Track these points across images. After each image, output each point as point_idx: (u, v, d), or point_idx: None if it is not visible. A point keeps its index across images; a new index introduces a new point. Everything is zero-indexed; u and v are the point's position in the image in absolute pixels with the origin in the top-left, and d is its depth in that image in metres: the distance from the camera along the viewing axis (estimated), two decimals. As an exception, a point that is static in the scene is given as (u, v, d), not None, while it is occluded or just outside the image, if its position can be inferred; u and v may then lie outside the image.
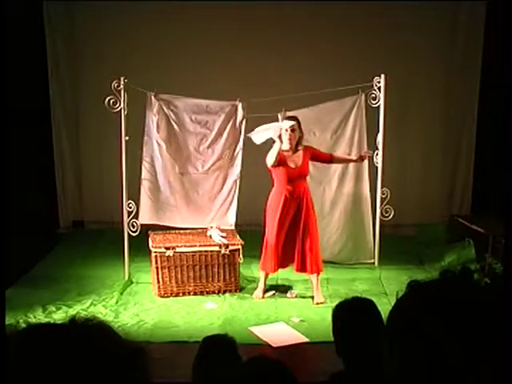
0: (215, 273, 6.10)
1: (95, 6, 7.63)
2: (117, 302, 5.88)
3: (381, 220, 6.74)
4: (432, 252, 7.24)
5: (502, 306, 1.15)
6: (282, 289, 6.19)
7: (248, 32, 7.68)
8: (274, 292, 6.12)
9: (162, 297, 6.03)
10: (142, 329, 5.35)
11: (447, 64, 7.93)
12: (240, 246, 6.12)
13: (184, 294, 6.08)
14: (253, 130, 5.90)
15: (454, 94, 8.00)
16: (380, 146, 6.68)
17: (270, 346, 5.01)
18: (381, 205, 6.71)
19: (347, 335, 2.73)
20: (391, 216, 6.64)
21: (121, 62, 7.43)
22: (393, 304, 1.24)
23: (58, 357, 1.07)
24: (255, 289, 6.09)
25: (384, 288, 6.19)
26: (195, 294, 6.09)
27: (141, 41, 7.71)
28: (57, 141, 8.11)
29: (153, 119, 6.34)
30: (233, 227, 6.46)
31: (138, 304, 5.89)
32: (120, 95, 6.11)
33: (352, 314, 2.81)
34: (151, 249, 6.09)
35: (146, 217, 6.40)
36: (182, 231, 6.45)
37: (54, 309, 5.67)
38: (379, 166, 6.70)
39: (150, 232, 6.37)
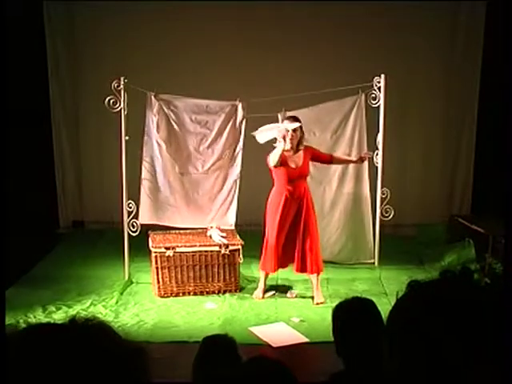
0: (215, 273, 6.10)
1: (95, 6, 7.63)
2: (117, 302, 5.88)
3: (381, 220, 6.74)
4: (432, 252, 7.24)
5: (502, 305, 1.15)
6: (281, 289, 6.19)
7: (248, 32, 7.68)
8: (273, 292, 6.12)
9: (162, 297, 6.03)
10: (142, 329, 5.35)
11: (447, 64, 7.93)
12: (240, 246, 6.12)
13: (184, 294, 6.08)
14: (253, 129, 5.90)
15: (454, 94, 8.00)
16: (380, 146, 6.68)
17: (270, 346, 5.01)
18: (381, 205, 6.71)
19: (347, 335, 2.73)
20: (391, 216, 6.64)
21: (121, 62, 7.43)
22: (393, 304, 1.24)
23: (58, 357, 1.07)
24: (255, 289, 6.09)
25: (384, 288, 6.19)
26: (195, 294, 6.09)
27: (141, 41, 7.71)
28: (57, 141, 8.11)
29: (153, 119, 6.34)
30: (233, 227, 6.46)
31: (138, 304, 5.89)
32: (120, 95, 6.11)
33: (352, 314, 2.81)
34: (151, 249, 6.10)
35: (145, 217, 6.40)
36: (182, 231, 6.45)
37: (54, 309, 5.67)
38: (379, 166, 6.70)
39: (149, 232, 6.37)
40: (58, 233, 8.14)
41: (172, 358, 4.64)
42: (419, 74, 7.91)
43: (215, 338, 3.07)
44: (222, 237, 6.20)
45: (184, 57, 7.70)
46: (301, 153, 5.79)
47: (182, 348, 4.87)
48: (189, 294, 6.09)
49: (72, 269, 6.77)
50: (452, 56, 7.91)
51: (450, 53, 7.89)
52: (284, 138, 5.64)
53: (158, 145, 6.36)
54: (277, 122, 6.12)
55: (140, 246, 6.41)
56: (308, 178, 6.01)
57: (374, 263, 6.85)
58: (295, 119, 5.77)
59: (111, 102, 6.07)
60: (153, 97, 6.33)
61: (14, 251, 5.79)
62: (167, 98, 6.41)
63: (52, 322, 1.28)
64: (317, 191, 6.56)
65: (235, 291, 6.13)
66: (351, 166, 6.69)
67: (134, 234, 6.28)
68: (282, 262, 5.92)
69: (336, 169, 6.75)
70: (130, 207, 6.29)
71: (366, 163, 6.59)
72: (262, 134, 5.71)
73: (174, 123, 6.40)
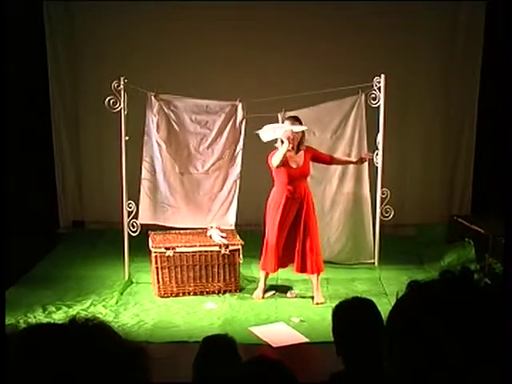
0: (215, 273, 6.10)
1: (95, 6, 7.63)
2: (117, 302, 5.88)
3: (381, 220, 6.74)
4: (432, 252, 7.23)
5: (502, 305, 1.15)
6: (281, 289, 6.18)
7: (248, 32, 7.68)
8: (274, 292, 6.12)
9: (162, 297, 6.03)
10: (142, 329, 5.35)
11: (447, 64, 7.93)
12: (240, 246, 6.12)
13: (184, 294, 6.07)
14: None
15: (453, 94, 7.99)
16: (380, 146, 6.68)
17: (270, 346, 5.01)
18: (381, 205, 6.71)
19: (347, 335, 2.73)
20: (391, 216, 6.64)
21: (121, 62, 7.43)
22: (393, 304, 1.24)
23: (58, 357, 1.07)
24: (255, 289, 6.09)
25: (384, 288, 6.19)
26: (195, 294, 6.09)
27: (141, 41, 7.71)
28: (57, 141, 8.10)
29: (153, 119, 6.34)
30: (233, 227, 6.46)
31: (138, 304, 5.88)
32: (120, 95, 6.11)
33: (352, 314, 2.81)
34: (151, 249, 6.09)
35: (145, 217, 6.40)
36: (182, 231, 6.45)
37: (54, 309, 5.67)
38: (379, 166, 6.70)
39: (150, 232, 6.37)
40: (58, 233, 8.14)
41: (172, 358, 4.64)
42: (419, 74, 7.91)
43: (215, 338, 3.08)
44: (221, 237, 6.20)
45: (184, 57, 7.70)
46: (302, 153, 5.79)
47: (181, 348, 4.87)
48: (189, 294, 6.08)
49: (72, 269, 6.77)
50: (452, 56, 7.90)
51: (449, 53, 7.89)
52: (288, 138, 5.62)
53: (158, 145, 6.36)
54: (277, 121, 6.12)
55: (140, 245, 6.41)
56: (308, 178, 6.01)
57: (373, 263, 6.85)
58: (296, 119, 5.77)
59: (111, 102, 6.07)
60: (153, 97, 6.33)
61: (14, 251, 5.79)
62: (167, 98, 6.41)
63: (52, 321, 1.28)
64: (317, 191, 6.56)
65: (235, 291, 6.13)
66: (351, 165, 6.69)
67: (134, 234, 6.28)
68: (283, 262, 5.92)
69: (336, 169, 6.75)
70: (130, 207, 6.29)
71: (365, 163, 6.58)
72: (267, 133, 5.70)
73: (174, 123, 6.40)
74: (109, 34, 7.79)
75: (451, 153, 8.16)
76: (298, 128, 5.70)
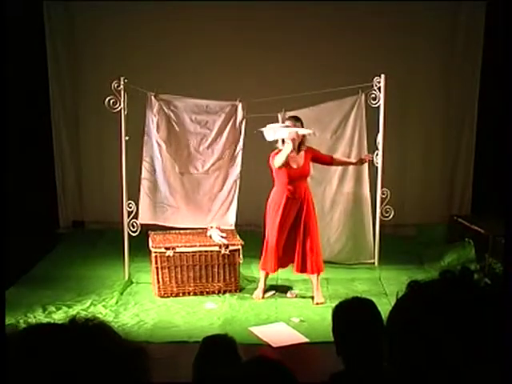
0: (215, 273, 6.10)
1: (95, 6, 7.63)
2: (117, 302, 5.88)
3: (381, 220, 6.74)
4: (432, 252, 7.23)
5: (502, 305, 1.15)
6: (281, 289, 6.19)
7: (248, 32, 7.68)
8: (274, 292, 6.12)
9: (162, 297, 6.03)
10: (142, 329, 5.35)
11: (447, 64, 7.93)
12: (240, 246, 6.12)
13: (184, 294, 6.07)
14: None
15: (453, 94, 7.99)
16: (380, 146, 6.68)
17: (270, 346, 5.01)
18: (381, 205, 6.71)
19: (347, 335, 2.73)
20: (391, 216, 6.64)
21: (121, 62, 7.43)
22: (393, 304, 1.24)
23: (58, 357, 1.07)
24: (255, 289, 6.09)
25: (384, 288, 6.19)
26: (195, 294, 6.09)
27: (141, 41, 7.71)
28: (57, 141, 8.10)
29: (153, 119, 6.34)
30: (233, 227, 6.46)
31: (138, 304, 5.88)
32: (120, 95, 6.11)
33: (352, 314, 2.81)
34: (151, 249, 6.09)
35: (145, 217, 6.40)
36: (182, 231, 6.45)
37: (54, 309, 5.67)
38: (379, 166, 6.70)
39: (150, 232, 6.37)
40: (58, 233, 8.14)
41: (172, 358, 4.64)
42: (419, 74, 7.91)
43: (215, 338, 3.08)
44: (221, 237, 6.20)
45: (184, 57, 7.70)
46: (302, 153, 5.78)
47: (181, 348, 4.87)
48: (189, 294, 6.08)
49: (72, 269, 6.77)
50: (452, 56, 7.90)
51: (449, 53, 7.89)
52: (293, 140, 5.61)
53: (158, 145, 6.36)
54: (277, 121, 6.12)
55: (140, 245, 6.41)
56: (308, 178, 6.01)
57: (373, 263, 6.85)
58: (297, 119, 5.78)
59: (111, 102, 6.07)
60: (153, 97, 6.33)
61: (14, 251, 5.79)
62: (167, 98, 6.41)
63: (52, 321, 1.28)
64: (317, 191, 6.56)
65: (235, 291, 6.13)
66: (351, 166, 6.68)
67: (134, 234, 6.28)
68: (283, 262, 5.92)
69: (336, 169, 6.75)
70: (130, 207, 6.29)
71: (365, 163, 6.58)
72: (271, 133, 5.69)
73: (174, 123, 6.40)
74: (109, 34, 7.79)
75: (451, 153, 8.16)
76: (303, 131, 5.70)
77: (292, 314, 5.65)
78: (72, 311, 5.61)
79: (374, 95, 6.53)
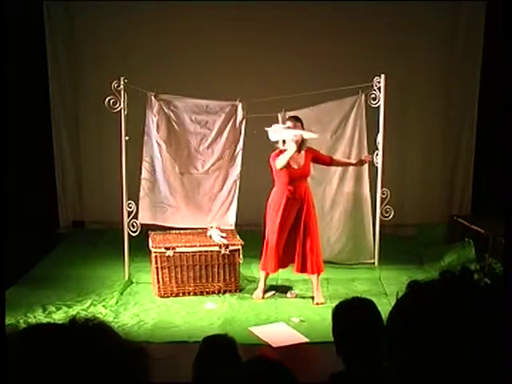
0: (215, 273, 6.10)
1: (95, 6, 7.63)
2: (117, 302, 5.88)
3: (381, 220, 6.74)
4: (432, 252, 7.23)
5: (502, 305, 1.15)
6: (281, 289, 6.18)
7: (248, 32, 7.68)
8: (274, 292, 6.12)
9: (161, 297, 6.03)
10: (142, 329, 5.35)
11: (447, 64, 7.93)
12: (240, 246, 6.12)
13: (184, 294, 6.07)
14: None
15: (453, 94, 7.99)
16: (380, 146, 6.68)
17: (270, 346, 5.01)
18: (381, 205, 6.71)
19: (347, 335, 2.73)
20: (391, 216, 6.64)
21: (121, 62, 7.43)
22: (393, 304, 1.24)
23: (58, 357, 1.07)
24: (255, 289, 6.09)
25: (384, 288, 6.19)
26: (195, 294, 6.09)
27: (141, 41, 7.71)
28: (57, 141, 8.10)
29: (153, 119, 6.34)
30: (233, 227, 6.46)
31: (138, 304, 5.88)
32: (120, 95, 6.11)
33: (352, 314, 2.81)
34: (151, 249, 6.09)
35: (145, 217, 6.40)
36: (182, 231, 6.45)
37: (53, 309, 5.67)
38: (379, 166, 6.70)
39: (150, 232, 6.37)
40: (58, 233, 8.14)
41: (172, 358, 4.64)
42: (419, 74, 7.91)
43: (215, 338, 3.08)
44: (221, 237, 6.20)
45: (184, 57, 7.70)
46: (303, 153, 5.78)
47: (181, 348, 4.87)
48: (189, 294, 6.08)
49: (72, 269, 6.77)
50: (452, 56, 7.90)
51: (449, 53, 7.89)
52: (297, 142, 5.60)
53: (158, 145, 6.36)
54: (277, 121, 6.12)
55: (140, 245, 6.41)
56: (308, 179, 6.01)
57: (373, 263, 6.85)
58: (297, 119, 5.78)
59: (111, 102, 6.07)
60: (153, 97, 6.33)
61: (14, 251, 5.79)
62: (167, 98, 6.41)
63: (52, 321, 1.28)
64: (317, 191, 6.56)
65: (235, 291, 6.13)
66: (351, 166, 6.68)
67: (133, 234, 6.28)
68: (283, 262, 5.92)
69: (336, 169, 6.75)
70: (130, 207, 6.29)
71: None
72: (275, 133, 5.69)
73: (174, 123, 6.40)
74: (109, 34, 7.79)
75: (451, 153, 8.16)
76: (309, 135, 5.70)
77: (292, 313, 5.65)
78: (72, 311, 5.61)
79: (373, 95, 6.53)
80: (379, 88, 6.50)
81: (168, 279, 6.04)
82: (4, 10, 5.96)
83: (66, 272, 6.67)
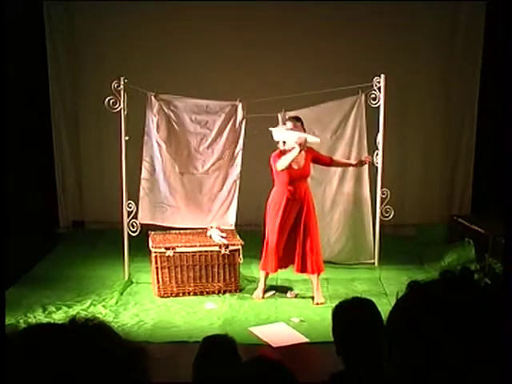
0: (215, 273, 6.10)
1: (95, 6, 7.63)
2: (117, 302, 5.88)
3: (381, 220, 6.74)
4: (432, 252, 7.23)
5: (502, 305, 1.15)
6: (281, 289, 6.18)
7: (248, 32, 7.68)
8: (274, 292, 6.12)
9: (161, 297, 6.03)
10: (142, 329, 5.35)
11: (447, 64, 7.93)
12: (240, 246, 6.12)
13: (184, 294, 6.07)
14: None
15: (453, 94, 7.99)
16: (380, 146, 6.68)
17: (270, 346, 5.01)
18: (381, 205, 6.71)
19: (347, 335, 2.73)
20: (391, 216, 6.64)
21: (121, 62, 7.43)
22: (393, 304, 1.24)
23: (58, 357, 1.07)
24: (255, 289, 6.09)
25: (384, 288, 6.19)
26: (195, 294, 6.09)
27: (141, 41, 7.71)
28: (57, 141, 8.10)
29: (153, 119, 6.34)
30: (233, 227, 6.46)
31: (138, 304, 5.88)
32: (120, 95, 6.11)
33: (352, 314, 2.81)
34: (151, 249, 6.09)
35: (145, 217, 6.40)
36: (182, 231, 6.45)
37: (54, 309, 5.67)
38: (379, 166, 6.70)
39: (150, 232, 6.37)
40: (58, 233, 8.14)
41: (172, 358, 4.64)
42: (419, 74, 7.91)
43: (215, 338, 3.08)
44: (221, 237, 6.20)
45: (184, 57, 7.70)
46: (303, 154, 5.78)
47: (181, 348, 4.87)
48: (189, 294, 6.08)
49: (72, 269, 6.77)
50: (452, 56, 7.90)
51: (449, 53, 7.89)
52: (300, 145, 5.59)
53: (158, 145, 6.36)
54: (277, 121, 6.12)
55: (140, 246, 6.41)
56: (308, 179, 6.01)
57: (373, 263, 6.85)
58: (297, 119, 5.78)
59: (111, 102, 6.07)
60: (153, 97, 6.33)
61: (14, 251, 5.79)
62: (167, 98, 6.41)
63: (52, 321, 1.28)
64: (317, 191, 6.56)
65: (235, 291, 6.13)
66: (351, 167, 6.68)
67: (133, 234, 6.28)
68: (283, 262, 5.92)
69: (336, 169, 6.75)
70: (130, 207, 6.29)
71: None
72: (280, 133, 5.69)
73: (174, 123, 6.40)
74: (109, 34, 7.79)
75: (451, 153, 8.16)
76: (312, 139, 5.69)
77: (292, 314, 5.65)
78: (72, 311, 5.61)
79: (373, 95, 6.53)
80: (379, 88, 6.50)
81: (168, 279, 6.04)
82: (4, 10, 5.96)
83: (66, 272, 6.67)
